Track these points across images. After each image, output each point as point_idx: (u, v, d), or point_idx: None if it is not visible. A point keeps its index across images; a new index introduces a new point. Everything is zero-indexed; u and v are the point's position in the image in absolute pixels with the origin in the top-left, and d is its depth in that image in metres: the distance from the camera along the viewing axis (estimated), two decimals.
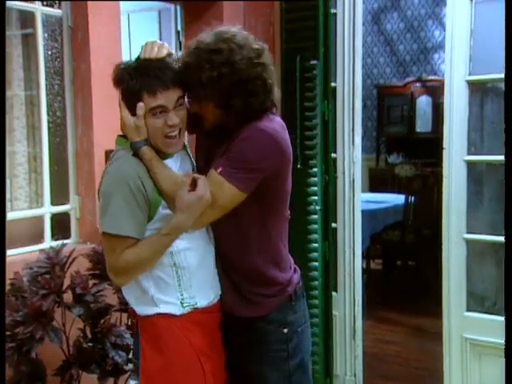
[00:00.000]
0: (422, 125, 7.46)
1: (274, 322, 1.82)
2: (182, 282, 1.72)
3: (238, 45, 1.65)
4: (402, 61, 7.77)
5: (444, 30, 7.25)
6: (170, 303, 1.72)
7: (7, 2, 2.67)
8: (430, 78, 7.37)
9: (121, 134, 1.76)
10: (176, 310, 1.72)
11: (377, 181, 6.90)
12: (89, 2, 2.74)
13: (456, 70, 2.81)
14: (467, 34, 2.77)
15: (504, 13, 2.65)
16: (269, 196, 1.77)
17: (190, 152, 1.88)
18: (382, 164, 7.54)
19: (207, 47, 1.65)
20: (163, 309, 1.71)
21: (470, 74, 2.79)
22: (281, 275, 1.84)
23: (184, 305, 1.72)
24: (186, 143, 1.86)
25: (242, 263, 1.81)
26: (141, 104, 1.63)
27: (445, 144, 2.88)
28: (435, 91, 7.28)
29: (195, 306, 1.73)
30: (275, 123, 1.76)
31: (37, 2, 2.75)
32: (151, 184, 1.66)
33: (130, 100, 1.65)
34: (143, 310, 1.73)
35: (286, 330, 1.82)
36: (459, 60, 2.80)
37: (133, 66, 1.67)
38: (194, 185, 1.61)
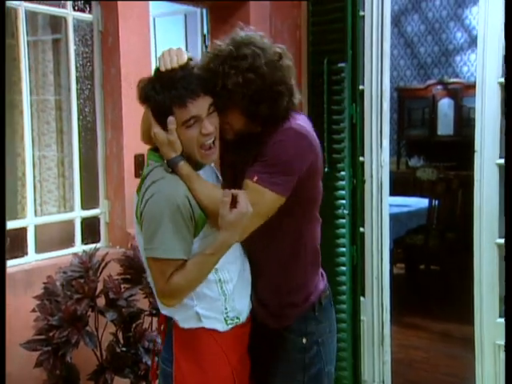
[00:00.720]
0: (444, 128, 7.40)
1: (295, 331, 1.80)
2: (227, 296, 1.69)
3: (261, 48, 1.64)
4: (423, 63, 7.72)
5: (466, 31, 7.26)
6: (214, 319, 1.68)
7: (38, 7, 2.70)
8: (452, 80, 7.31)
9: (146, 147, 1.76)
10: (220, 327, 1.69)
11: (398, 184, 6.82)
12: (119, 7, 2.74)
13: (488, 71, 2.77)
14: (500, 34, 2.72)
15: None
16: (304, 197, 1.75)
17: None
18: (402, 167, 7.49)
19: (231, 54, 1.61)
20: (207, 324, 1.68)
21: (502, 76, 2.74)
22: (314, 277, 1.84)
23: (228, 322, 1.70)
24: None
25: (276, 269, 1.78)
26: (171, 118, 1.56)
27: (476, 147, 2.84)
28: (457, 94, 7.24)
29: (238, 323, 1.72)
30: (303, 121, 1.74)
31: (68, 3, 2.75)
32: (196, 202, 1.61)
33: (160, 116, 1.59)
34: (185, 322, 1.69)
35: (304, 340, 1.80)
36: (491, 61, 2.75)
37: (157, 80, 1.59)
38: (234, 201, 1.56)
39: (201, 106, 1.57)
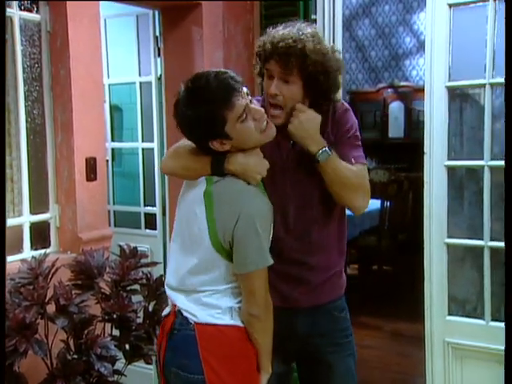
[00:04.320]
0: (395, 130, 7.55)
1: (344, 308, 1.97)
2: None
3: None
4: (374, 67, 7.86)
5: (414, 36, 7.44)
6: None
7: None
8: (402, 84, 7.48)
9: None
10: None
11: None
12: (68, 8, 2.69)
13: (435, 75, 2.83)
14: (446, 39, 2.79)
15: (476, 18, 2.73)
16: None
17: None
18: None
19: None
20: (238, 321, 1.71)
21: (449, 80, 2.81)
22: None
23: None
24: None
25: (337, 246, 1.94)
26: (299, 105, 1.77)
27: (425, 149, 2.90)
28: (407, 97, 7.40)
29: None
30: None
31: (14, 3, 2.68)
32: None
33: (216, 127, 1.63)
34: (214, 319, 1.69)
35: (348, 316, 1.98)
36: (439, 66, 2.82)
37: (193, 98, 1.64)
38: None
39: (243, 96, 1.64)
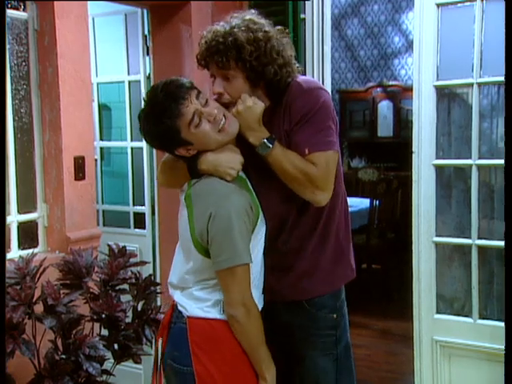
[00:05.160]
0: (384, 129, 7.59)
1: (325, 307, 1.85)
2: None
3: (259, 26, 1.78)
4: (363, 66, 7.89)
5: (403, 36, 7.48)
6: None
7: None
8: (391, 83, 7.51)
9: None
10: None
11: None
12: (56, 6, 2.67)
13: (424, 75, 2.85)
14: (434, 39, 2.81)
15: (464, 18, 2.74)
16: None
17: None
18: (345, 168, 7.61)
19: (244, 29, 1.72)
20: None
21: (437, 79, 2.83)
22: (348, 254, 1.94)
23: None
24: None
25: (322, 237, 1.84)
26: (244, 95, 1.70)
27: (414, 148, 2.91)
28: (396, 96, 7.44)
29: None
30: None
31: None
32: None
33: (173, 141, 1.67)
34: (203, 313, 1.70)
35: (335, 316, 1.86)
36: (427, 65, 2.83)
37: (149, 116, 1.68)
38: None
39: (193, 102, 1.64)
